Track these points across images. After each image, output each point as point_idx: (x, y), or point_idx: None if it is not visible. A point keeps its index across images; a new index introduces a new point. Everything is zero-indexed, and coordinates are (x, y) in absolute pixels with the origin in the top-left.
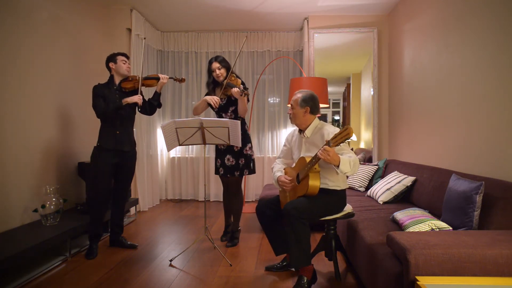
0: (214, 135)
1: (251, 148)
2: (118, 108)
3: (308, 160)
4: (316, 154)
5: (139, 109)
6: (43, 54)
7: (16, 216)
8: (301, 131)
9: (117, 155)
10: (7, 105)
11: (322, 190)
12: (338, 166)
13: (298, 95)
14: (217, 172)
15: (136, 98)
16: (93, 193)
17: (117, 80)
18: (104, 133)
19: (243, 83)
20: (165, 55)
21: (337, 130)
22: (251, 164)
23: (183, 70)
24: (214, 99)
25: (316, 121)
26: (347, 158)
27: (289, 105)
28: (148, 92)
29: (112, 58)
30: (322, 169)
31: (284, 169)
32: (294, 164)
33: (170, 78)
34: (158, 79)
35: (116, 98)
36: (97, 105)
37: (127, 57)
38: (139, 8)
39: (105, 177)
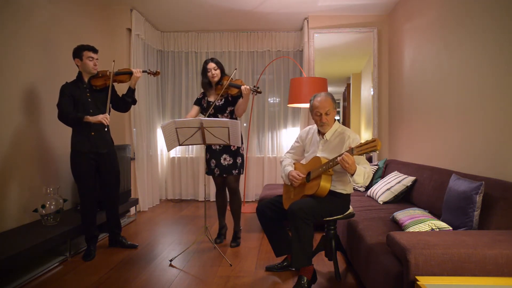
0: (214, 135)
1: (243, 149)
2: (77, 121)
3: (323, 161)
4: (334, 159)
5: (113, 107)
6: (44, 54)
7: (16, 216)
8: (319, 132)
9: (94, 157)
10: (7, 105)
11: (329, 192)
12: (352, 175)
13: (327, 97)
14: (211, 173)
15: (101, 118)
16: (80, 197)
17: (85, 77)
18: (77, 135)
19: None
20: (165, 55)
21: (358, 137)
22: (244, 164)
23: (183, 70)
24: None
25: (337, 124)
26: (363, 169)
27: (319, 112)
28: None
29: (77, 53)
30: (334, 173)
31: (294, 163)
32: (304, 161)
33: (144, 71)
34: (130, 73)
35: (87, 97)
36: (62, 104)
37: (96, 52)
38: (139, 8)
39: (87, 181)
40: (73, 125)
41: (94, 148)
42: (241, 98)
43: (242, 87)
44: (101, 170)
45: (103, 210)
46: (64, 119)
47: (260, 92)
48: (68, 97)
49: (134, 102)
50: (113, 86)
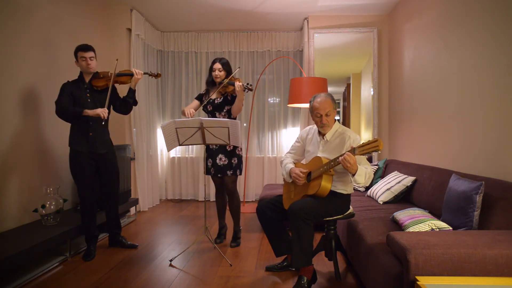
0: (214, 135)
1: (241, 149)
2: (77, 114)
3: (324, 161)
4: (336, 159)
5: (114, 108)
6: (44, 54)
7: (16, 216)
8: (319, 132)
9: (93, 158)
10: (7, 105)
11: (330, 192)
12: (353, 175)
13: (327, 98)
14: (208, 172)
15: (99, 111)
16: (79, 197)
17: (86, 77)
18: (76, 135)
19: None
20: (165, 55)
21: (358, 137)
22: (241, 165)
23: (183, 70)
24: (190, 111)
25: (337, 125)
26: (364, 169)
27: (319, 113)
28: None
29: (75, 55)
30: (335, 173)
31: (294, 163)
32: (304, 161)
33: (145, 73)
34: (132, 75)
35: (87, 97)
36: (61, 101)
37: (87, 49)
38: (139, 8)
39: (86, 181)
40: (73, 119)
41: (92, 148)
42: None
43: (236, 83)
44: (101, 171)
45: (103, 210)
46: (64, 114)
47: (251, 90)
48: (67, 95)
49: (135, 103)
50: (114, 88)
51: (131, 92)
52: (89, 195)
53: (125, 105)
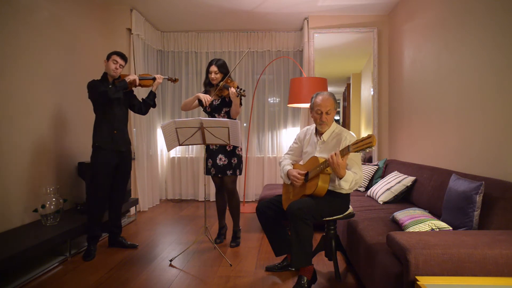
0: (214, 135)
1: (241, 149)
2: (124, 87)
3: (321, 161)
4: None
5: (133, 109)
6: (43, 54)
7: (16, 216)
8: (316, 132)
9: (115, 155)
10: (7, 105)
11: (328, 192)
12: (340, 179)
13: (330, 97)
14: (208, 172)
15: (135, 76)
16: (92, 194)
17: (110, 78)
18: (101, 132)
19: (238, 87)
20: (165, 55)
21: (354, 137)
22: (241, 165)
23: (183, 70)
24: (207, 97)
25: (334, 125)
26: (352, 176)
27: (320, 110)
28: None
29: (108, 55)
30: (332, 172)
31: (292, 164)
32: (302, 162)
33: (164, 78)
34: (154, 79)
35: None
36: (100, 90)
37: (123, 58)
38: (139, 8)
39: (105, 178)
40: (122, 90)
41: (116, 145)
42: None
43: (230, 89)
44: (119, 169)
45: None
46: (116, 92)
47: (244, 96)
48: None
49: (154, 105)
50: (132, 90)
51: (152, 94)
52: (104, 194)
53: (145, 106)
